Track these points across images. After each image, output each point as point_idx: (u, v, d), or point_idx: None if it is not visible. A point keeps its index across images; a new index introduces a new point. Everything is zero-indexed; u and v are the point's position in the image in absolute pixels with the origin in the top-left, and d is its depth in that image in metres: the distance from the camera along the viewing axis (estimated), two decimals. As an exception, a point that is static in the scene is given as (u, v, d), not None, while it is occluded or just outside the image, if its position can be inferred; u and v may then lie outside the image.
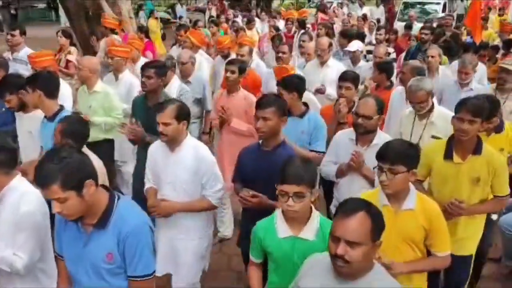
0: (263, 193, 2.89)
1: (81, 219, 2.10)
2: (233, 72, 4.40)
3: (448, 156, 3.10)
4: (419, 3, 16.31)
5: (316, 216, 2.46)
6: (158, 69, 3.98)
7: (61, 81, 4.01)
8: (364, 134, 3.30)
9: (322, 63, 5.64)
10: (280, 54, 5.57)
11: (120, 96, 4.81)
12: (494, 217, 3.72)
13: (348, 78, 4.14)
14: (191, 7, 22.75)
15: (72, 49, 6.69)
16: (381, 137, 3.30)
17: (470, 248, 3.24)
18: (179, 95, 4.60)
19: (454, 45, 8.23)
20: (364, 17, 12.85)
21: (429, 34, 7.31)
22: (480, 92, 4.80)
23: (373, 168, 3.01)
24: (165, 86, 4.66)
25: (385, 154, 2.56)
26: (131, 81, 5.10)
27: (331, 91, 5.32)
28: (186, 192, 3.15)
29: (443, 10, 15.76)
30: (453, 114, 3.91)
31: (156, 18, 13.88)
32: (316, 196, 2.44)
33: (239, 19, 11.57)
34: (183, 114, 3.09)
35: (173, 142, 3.11)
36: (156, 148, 3.27)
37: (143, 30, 8.60)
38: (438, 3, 16.11)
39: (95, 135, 4.42)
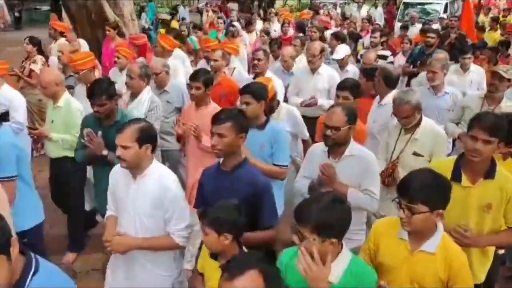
0: None
1: None
2: (198, 88, 4.06)
3: (455, 177, 2.73)
4: (419, 3, 16.06)
5: (346, 257, 2.15)
6: (108, 93, 3.58)
7: (15, 92, 3.80)
8: (333, 146, 3.11)
9: (313, 70, 5.38)
10: (256, 61, 5.19)
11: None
12: (501, 251, 3.46)
13: (346, 87, 3.92)
14: (193, 8, 22.68)
15: (38, 57, 6.45)
16: (354, 149, 3.14)
17: (480, 276, 2.95)
18: (149, 110, 4.37)
19: (461, 48, 8.10)
20: (369, 19, 12.73)
21: (436, 38, 7.05)
22: (458, 96, 4.77)
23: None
24: (136, 97, 4.47)
25: (404, 188, 2.25)
26: None
27: (324, 100, 5.15)
28: (146, 227, 2.79)
29: (445, 11, 15.56)
30: (440, 129, 3.77)
31: (178, 20, 13.94)
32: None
33: (237, 24, 11.34)
34: (146, 137, 2.72)
35: (134, 169, 2.76)
36: (118, 171, 2.90)
37: (121, 33, 8.22)
38: (438, 3, 15.90)
39: (56, 151, 4.32)
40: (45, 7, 24.48)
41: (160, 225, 2.81)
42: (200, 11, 20.16)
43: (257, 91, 3.56)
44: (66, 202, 4.56)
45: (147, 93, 4.51)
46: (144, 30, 13.71)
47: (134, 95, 4.52)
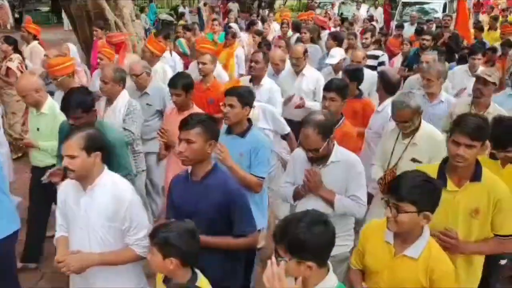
0: None
1: None
2: (178, 95, 3.94)
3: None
4: (418, 3, 15.90)
5: (331, 282, 2.01)
6: (84, 105, 3.39)
7: None
8: (319, 159, 3.02)
9: (297, 72, 5.29)
10: (253, 64, 4.84)
11: None
12: (503, 262, 3.35)
13: (332, 88, 3.78)
14: (193, 9, 22.62)
15: (15, 56, 6.39)
16: (338, 154, 3.04)
17: (469, 286, 2.83)
18: (126, 114, 4.19)
19: (455, 47, 8.02)
20: (371, 18, 12.67)
21: (431, 40, 6.98)
22: (453, 104, 4.57)
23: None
24: (112, 102, 4.29)
25: (394, 187, 2.24)
26: None
27: (311, 102, 5.06)
28: (103, 241, 2.62)
29: (444, 11, 15.39)
30: (440, 133, 3.65)
31: (185, 21, 14.00)
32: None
33: (235, 25, 11.24)
34: (94, 144, 2.58)
35: (84, 179, 2.60)
36: (67, 186, 2.73)
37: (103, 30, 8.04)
38: (437, 3, 15.70)
39: (44, 160, 4.16)
40: (45, 8, 24.56)
41: (117, 237, 2.65)
42: (199, 12, 20.13)
43: (244, 95, 3.40)
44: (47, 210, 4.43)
45: (123, 99, 4.28)
46: (144, 31, 13.73)
47: (110, 100, 4.32)
